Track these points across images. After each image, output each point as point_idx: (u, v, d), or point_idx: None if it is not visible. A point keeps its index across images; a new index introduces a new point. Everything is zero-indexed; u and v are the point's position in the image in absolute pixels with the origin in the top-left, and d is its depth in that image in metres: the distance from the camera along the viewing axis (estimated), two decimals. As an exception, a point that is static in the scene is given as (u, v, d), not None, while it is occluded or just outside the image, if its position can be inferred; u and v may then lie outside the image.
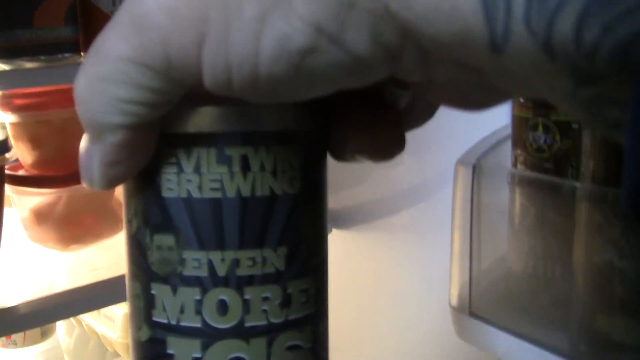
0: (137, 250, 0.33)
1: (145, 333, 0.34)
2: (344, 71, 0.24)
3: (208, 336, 0.33)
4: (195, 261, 0.32)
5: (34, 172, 0.93)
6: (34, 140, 0.91)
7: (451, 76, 0.25)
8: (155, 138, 0.30)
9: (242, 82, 0.25)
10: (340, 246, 1.05)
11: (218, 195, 0.31)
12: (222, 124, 0.31)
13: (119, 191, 0.91)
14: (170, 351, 0.33)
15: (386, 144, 0.32)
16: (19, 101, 0.89)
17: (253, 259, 0.32)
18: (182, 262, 0.32)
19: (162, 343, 0.33)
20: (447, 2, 0.21)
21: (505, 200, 0.60)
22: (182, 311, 0.33)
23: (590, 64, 0.20)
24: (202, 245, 0.32)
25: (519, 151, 0.57)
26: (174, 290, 0.32)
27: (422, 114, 0.33)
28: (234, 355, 0.33)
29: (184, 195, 0.32)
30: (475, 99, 0.28)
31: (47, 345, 1.32)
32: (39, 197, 0.93)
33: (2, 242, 0.85)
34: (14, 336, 1.24)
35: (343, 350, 1.00)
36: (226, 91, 0.26)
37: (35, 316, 0.80)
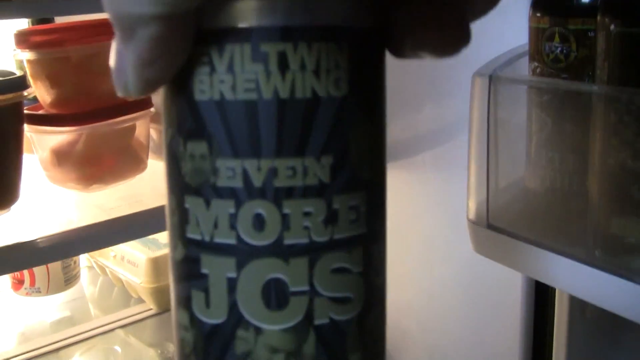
0: (172, 161, 0.32)
1: (180, 252, 0.32)
2: None
3: (243, 254, 0.30)
4: (229, 170, 0.30)
5: (53, 111, 0.94)
6: (52, 78, 0.91)
7: None
8: (190, 33, 0.28)
9: None
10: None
11: (253, 96, 0.29)
12: (257, 17, 0.29)
13: (140, 131, 0.91)
14: (204, 270, 0.31)
15: (451, 37, 0.29)
16: (36, 38, 0.89)
17: (293, 169, 0.29)
18: (215, 171, 0.30)
19: (196, 262, 0.31)
20: None
21: (523, 117, 0.59)
22: (215, 226, 0.30)
23: None
24: (236, 153, 0.29)
25: (535, 64, 0.57)
26: (207, 203, 0.30)
27: (483, 3, 0.30)
28: (271, 275, 0.30)
29: (216, 97, 0.29)
30: None
31: (71, 295, 1.33)
32: (58, 136, 0.93)
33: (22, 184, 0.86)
34: (38, 284, 1.25)
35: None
36: None
37: (54, 250, 0.81)
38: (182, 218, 0.32)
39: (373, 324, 0.34)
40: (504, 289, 0.91)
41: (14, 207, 0.87)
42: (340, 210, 0.31)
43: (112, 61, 0.28)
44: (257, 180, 0.30)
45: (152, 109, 0.98)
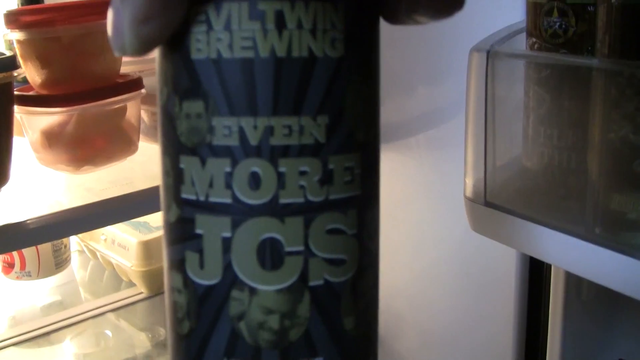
0: (167, 122, 0.32)
1: (174, 213, 0.32)
2: None
3: (239, 213, 0.30)
4: (225, 128, 0.30)
5: (43, 92, 0.92)
6: (43, 59, 0.90)
7: None
8: None
9: None
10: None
11: (250, 54, 0.29)
12: None
13: (131, 112, 0.90)
14: (198, 231, 0.31)
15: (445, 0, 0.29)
16: (25, 18, 0.88)
17: (289, 127, 0.30)
18: (212, 130, 0.30)
19: (191, 222, 0.31)
20: None
21: (520, 94, 0.58)
22: (211, 185, 0.30)
23: None
24: (233, 111, 0.30)
25: (533, 39, 0.56)
26: (203, 162, 0.30)
27: None
28: (267, 235, 0.30)
29: (213, 56, 0.29)
30: None
31: (62, 279, 1.32)
32: (49, 117, 0.92)
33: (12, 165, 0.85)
34: (28, 267, 1.25)
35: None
36: None
37: (44, 231, 0.80)
38: (176, 179, 0.32)
39: (366, 288, 0.34)
40: (497, 271, 0.91)
41: (4, 189, 0.86)
42: (335, 170, 0.31)
43: (109, 19, 0.27)
44: (253, 139, 0.30)
45: (143, 91, 0.97)
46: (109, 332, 1.21)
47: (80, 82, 0.91)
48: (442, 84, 0.92)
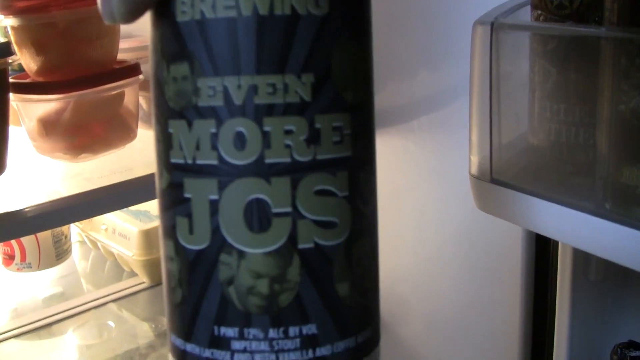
0: (157, 88, 0.32)
1: (165, 179, 0.32)
2: None
3: (225, 174, 0.30)
4: (210, 89, 0.30)
5: (39, 79, 0.91)
6: (38, 45, 0.88)
7: None
8: None
9: None
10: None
11: (233, 14, 0.29)
12: None
13: (129, 99, 0.89)
14: (187, 195, 0.31)
15: None
16: (20, 4, 0.87)
17: (273, 86, 0.30)
18: (197, 91, 0.30)
19: (180, 187, 0.31)
20: None
21: (525, 69, 0.57)
22: (198, 147, 0.31)
23: None
24: (217, 71, 0.30)
25: (538, 12, 0.55)
26: (190, 125, 0.31)
27: None
28: (253, 196, 0.30)
29: (197, 17, 0.29)
30: None
31: (63, 271, 1.31)
32: (45, 104, 0.90)
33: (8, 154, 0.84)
34: (28, 259, 1.24)
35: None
36: None
37: (43, 219, 0.79)
38: (166, 144, 0.32)
39: (362, 254, 0.33)
40: (503, 254, 0.90)
41: (1, 179, 0.85)
42: (322, 130, 0.31)
43: None
44: (237, 98, 0.30)
45: (141, 77, 0.96)
46: (111, 323, 1.21)
47: (76, 69, 0.89)
48: (444, 66, 0.91)
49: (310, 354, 0.32)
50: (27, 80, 0.93)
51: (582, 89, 0.53)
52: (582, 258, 0.78)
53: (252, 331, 0.31)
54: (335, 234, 0.32)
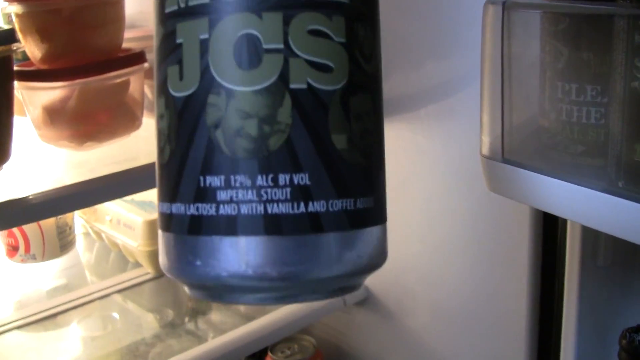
0: None
1: (160, 33, 0.32)
2: None
3: (216, 12, 0.29)
4: None
5: (44, 66, 0.91)
6: (43, 32, 0.88)
7: None
8: None
9: None
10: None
11: None
12: None
13: (134, 87, 0.89)
14: (179, 40, 0.31)
15: None
16: (24, -10, 0.86)
17: None
18: None
19: (172, 35, 0.31)
20: None
21: (536, 51, 0.56)
22: None
23: None
24: None
25: (549, -7, 0.54)
26: None
27: None
28: (244, 31, 0.29)
29: None
30: None
31: (67, 262, 1.31)
32: (50, 92, 0.90)
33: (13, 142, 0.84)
34: (33, 250, 1.23)
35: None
36: None
37: (47, 206, 0.79)
38: None
39: (361, 110, 0.32)
40: (510, 242, 0.90)
41: (5, 167, 0.84)
42: None
43: None
44: None
45: (146, 64, 0.95)
46: (116, 315, 1.20)
47: (81, 56, 0.89)
48: (451, 55, 0.91)
49: (302, 207, 0.30)
50: (32, 68, 0.93)
51: (594, 68, 0.52)
52: (590, 243, 0.77)
53: (239, 178, 0.30)
54: (330, 78, 0.30)
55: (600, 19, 0.51)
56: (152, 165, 0.86)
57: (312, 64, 0.29)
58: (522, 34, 0.56)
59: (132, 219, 1.22)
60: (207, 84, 0.29)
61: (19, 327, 1.15)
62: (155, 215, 1.21)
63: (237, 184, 0.29)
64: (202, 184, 0.30)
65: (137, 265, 1.29)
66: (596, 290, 0.80)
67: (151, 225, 1.20)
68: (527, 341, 0.90)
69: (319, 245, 0.31)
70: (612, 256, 0.78)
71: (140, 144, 0.99)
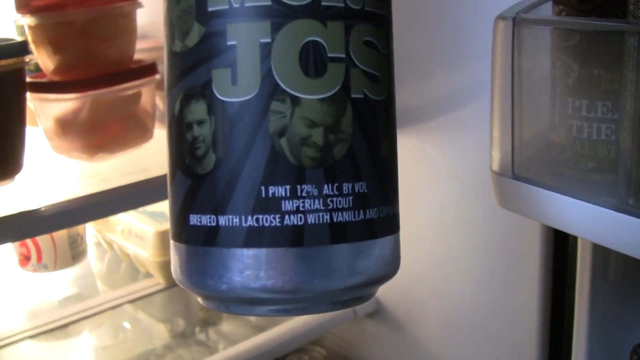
0: None
1: (196, 33, 0.31)
2: None
3: (279, 15, 0.29)
4: None
5: (56, 78, 0.91)
6: (55, 44, 0.88)
7: None
8: None
9: None
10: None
11: None
12: None
13: (145, 98, 0.89)
14: (230, 42, 0.30)
15: None
16: (36, 2, 0.87)
17: None
18: None
19: (221, 35, 0.30)
20: None
21: (547, 66, 0.56)
22: None
23: None
24: None
25: (560, 7, 0.54)
26: None
27: None
28: (309, 38, 0.29)
29: None
30: None
31: (78, 272, 1.31)
32: (62, 103, 0.90)
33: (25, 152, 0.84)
34: (45, 260, 1.24)
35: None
36: None
37: (59, 218, 0.79)
38: None
39: (394, 118, 0.33)
40: (521, 255, 0.89)
41: (18, 177, 0.84)
42: None
43: None
44: None
45: (158, 76, 0.96)
46: (127, 324, 1.20)
47: (93, 67, 0.89)
48: (462, 66, 0.91)
49: (362, 214, 0.30)
50: (44, 80, 0.93)
51: (605, 84, 0.52)
52: (601, 258, 0.77)
53: (306, 187, 0.29)
54: (379, 89, 0.31)
55: (610, 36, 0.51)
56: (163, 177, 0.86)
57: (367, 74, 0.30)
58: (533, 49, 0.56)
59: (143, 229, 1.23)
60: (269, 90, 0.29)
61: (30, 337, 1.15)
62: (166, 225, 1.22)
63: (304, 194, 0.29)
64: (263, 194, 0.29)
65: (148, 275, 1.29)
66: (607, 305, 0.80)
67: (162, 235, 1.21)
68: (537, 355, 0.90)
69: (373, 250, 0.31)
70: (623, 270, 0.77)
71: (152, 155, 0.99)
